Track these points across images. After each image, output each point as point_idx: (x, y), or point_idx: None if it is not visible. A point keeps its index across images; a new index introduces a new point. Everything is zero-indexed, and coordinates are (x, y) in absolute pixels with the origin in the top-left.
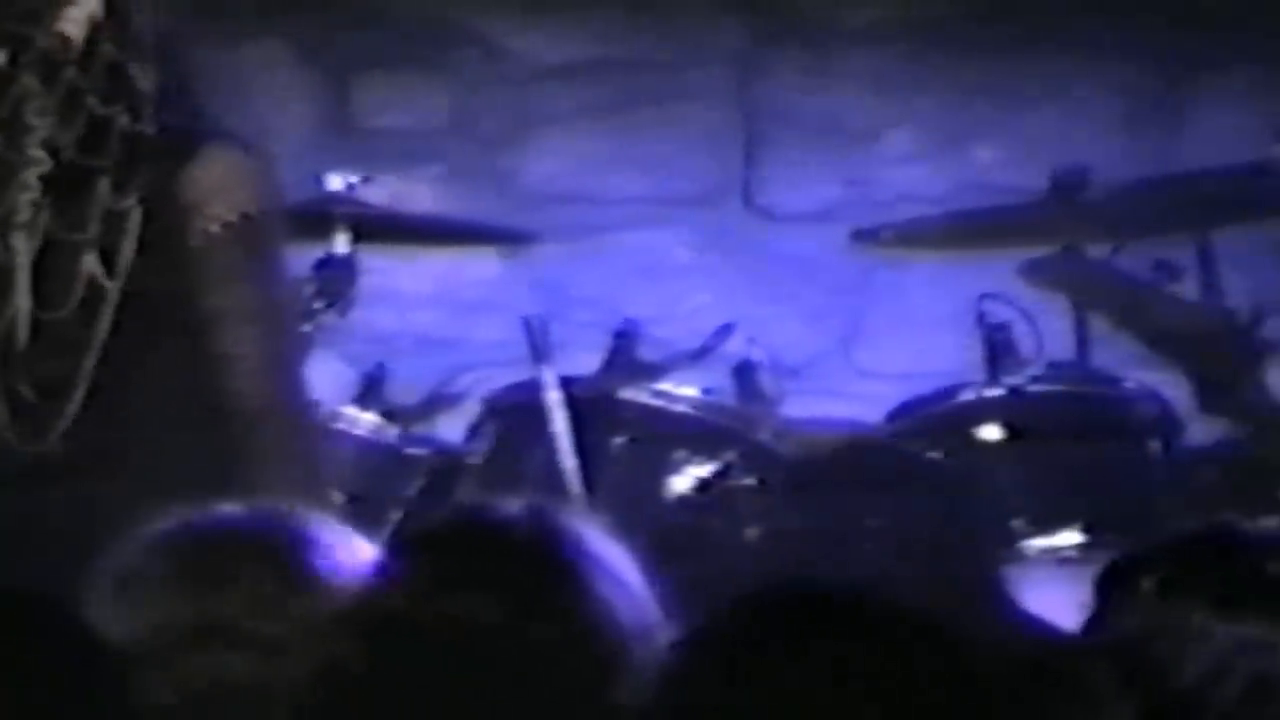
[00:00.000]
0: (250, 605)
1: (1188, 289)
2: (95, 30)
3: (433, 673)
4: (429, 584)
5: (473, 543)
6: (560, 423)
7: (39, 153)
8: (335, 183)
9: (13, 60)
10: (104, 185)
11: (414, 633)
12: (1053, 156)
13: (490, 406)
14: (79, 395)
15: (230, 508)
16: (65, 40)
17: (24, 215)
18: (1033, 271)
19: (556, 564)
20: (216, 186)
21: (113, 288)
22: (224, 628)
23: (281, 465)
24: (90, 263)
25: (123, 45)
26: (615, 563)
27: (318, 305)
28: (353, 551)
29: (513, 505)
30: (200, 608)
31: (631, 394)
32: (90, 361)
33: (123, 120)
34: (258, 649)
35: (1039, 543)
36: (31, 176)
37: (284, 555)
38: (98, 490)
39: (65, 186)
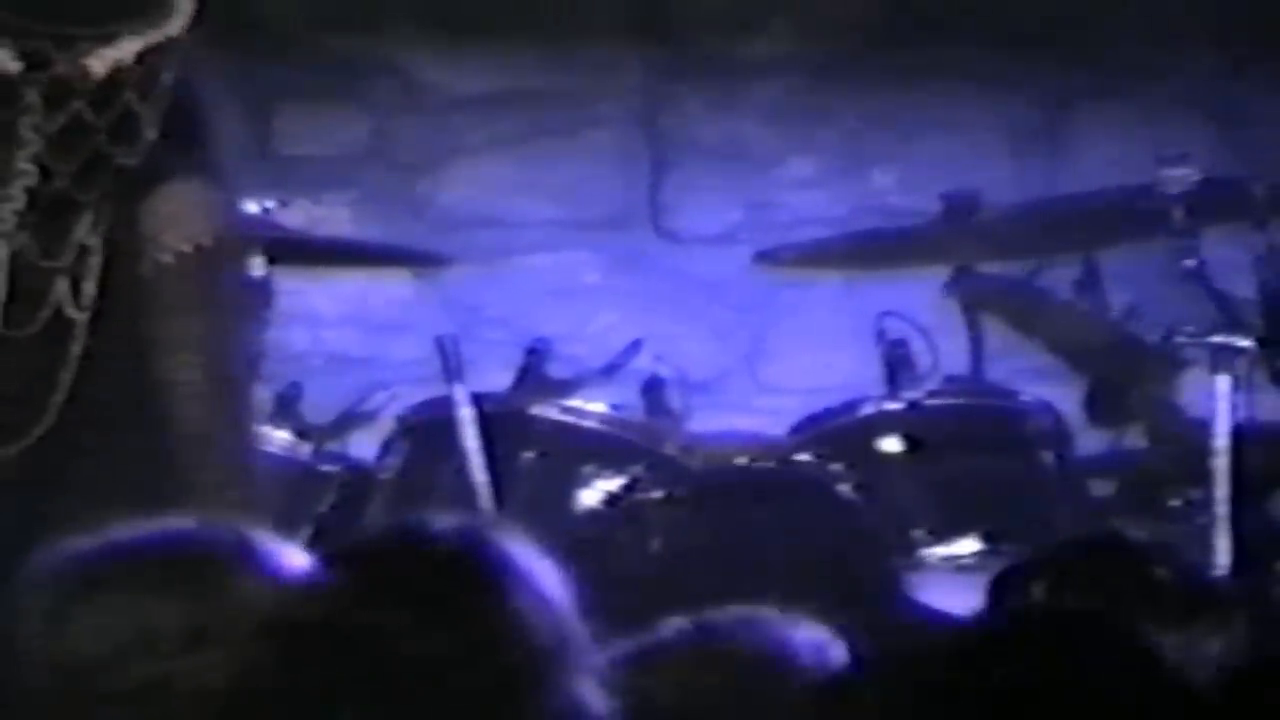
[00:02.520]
0: (190, 613)
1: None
2: (120, 74)
3: (346, 681)
4: (352, 595)
5: (399, 556)
6: (472, 439)
7: (28, 165)
8: (251, 207)
9: (26, 72)
10: (86, 220)
11: (330, 642)
12: (945, 181)
13: (403, 424)
14: (47, 418)
15: (169, 522)
16: (85, 73)
17: (6, 225)
18: (951, 289)
19: (476, 578)
20: (173, 218)
21: (81, 319)
22: (169, 635)
23: (218, 489)
24: (61, 291)
25: (144, 96)
26: (540, 579)
27: None
28: (287, 563)
29: (444, 521)
30: (147, 616)
31: (542, 410)
32: (63, 387)
33: (118, 160)
34: (197, 655)
35: (938, 551)
36: (18, 187)
37: (225, 566)
38: (46, 505)
39: (50, 214)
